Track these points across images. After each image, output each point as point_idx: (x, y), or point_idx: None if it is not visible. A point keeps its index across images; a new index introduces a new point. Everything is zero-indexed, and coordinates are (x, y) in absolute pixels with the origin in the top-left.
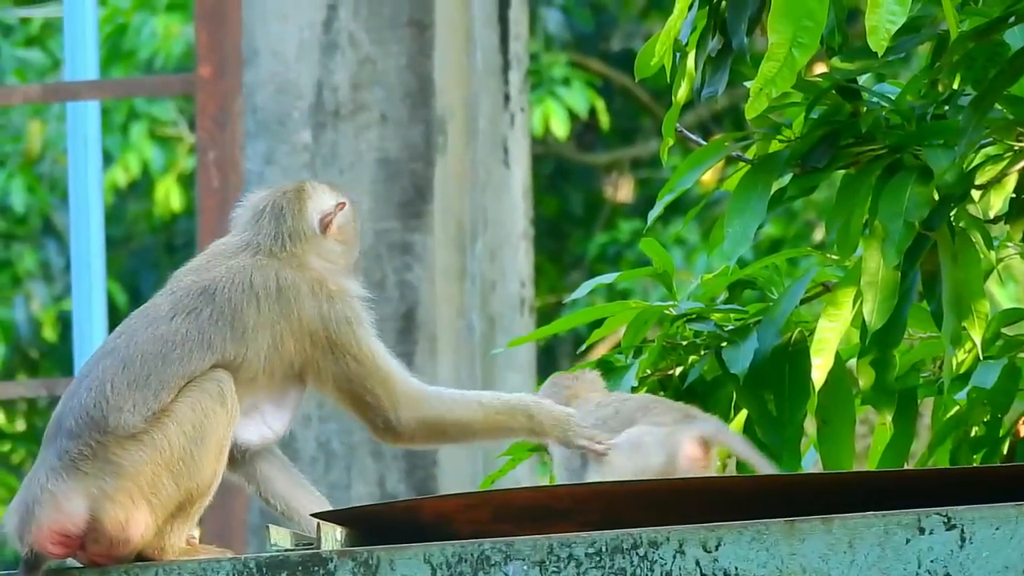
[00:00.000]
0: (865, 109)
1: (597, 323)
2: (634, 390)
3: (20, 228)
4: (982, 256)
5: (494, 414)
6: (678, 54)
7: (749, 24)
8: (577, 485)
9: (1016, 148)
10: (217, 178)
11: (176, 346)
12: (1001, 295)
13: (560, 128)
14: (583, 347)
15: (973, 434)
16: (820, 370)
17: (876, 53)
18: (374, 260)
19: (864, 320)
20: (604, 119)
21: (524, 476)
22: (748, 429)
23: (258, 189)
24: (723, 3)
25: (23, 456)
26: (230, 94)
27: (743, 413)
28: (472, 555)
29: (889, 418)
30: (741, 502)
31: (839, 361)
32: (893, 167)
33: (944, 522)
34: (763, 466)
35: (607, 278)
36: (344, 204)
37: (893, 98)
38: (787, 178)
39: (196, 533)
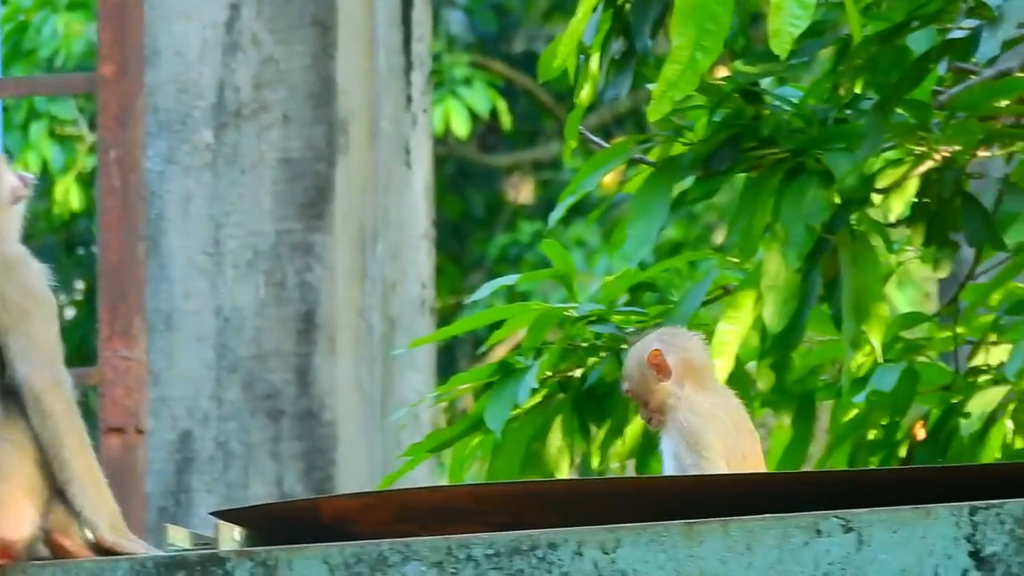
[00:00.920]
0: (767, 112)
1: (497, 324)
2: (534, 392)
3: None
4: (882, 260)
5: (87, 452)
6: (581, 56)
7: (653, 27)
8: (479, 485)
9: (917, 152)
10: (118, 177)
11: None
12: (900, 299)
13: (461, 128)
14: (483, 348)
15: (871, 437)
16: (720, 372)
17: (779, 57)
18: (275, 260)
19: (764, 323)
20: (506, 120)
21: (423, 477)
22: (647, 430)
23: (158, 190)
24: (627, 5)
25: None
26: (132, 93)
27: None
28: (370, 556)
29: (788, 420)
30: (641, 504)
31: (738, 364)
32: (795, 171)
33: (842, 525)
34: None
35: (508, 280)
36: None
37: (795, 102)
38: (689, 181)
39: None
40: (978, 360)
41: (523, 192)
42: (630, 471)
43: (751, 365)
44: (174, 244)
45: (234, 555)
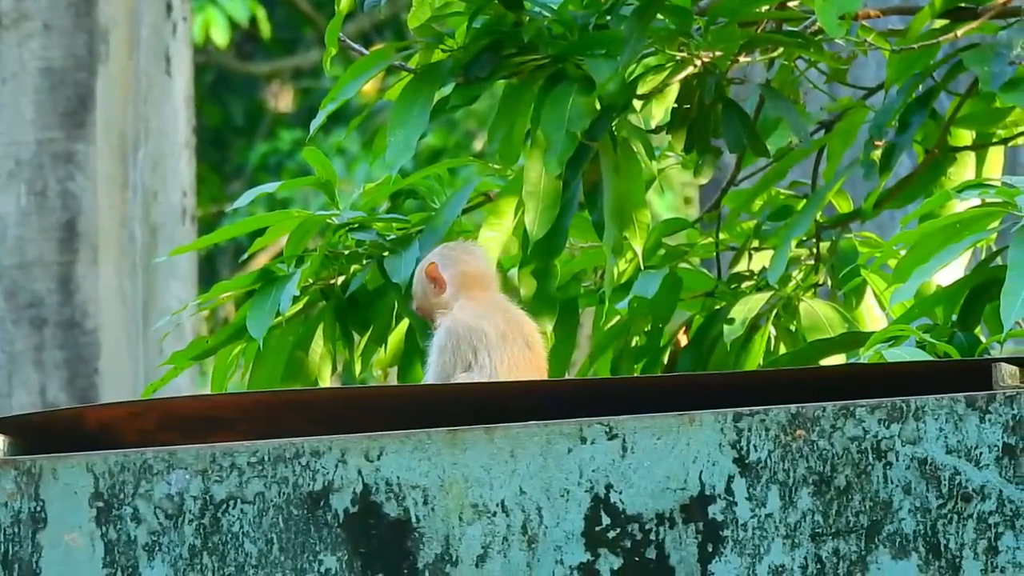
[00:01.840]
0: (528, 19)
1: (259, 232)
2: (295, 300)
3: None
4: (643, 166)
5: None
6: None
7: None
8: (242, 394)
9: (678, 58)
10: None
11: None
12: (661, 205)
13: (220, 37)
14: (244, 256)
15: (634, 344)
16: None
17: None
18: (36, 170)
19: (526, 230)
20: (265, 28)
21: (186, 385)
22: (409, 338)
23: None
24: None
25: None
26: None
27: (405, 323)
28: (135, 464)
29: (550, 327)
30: (404, 413)
31: (501, 270)
32: (556, 77)
33: (606, 432)
34: None
35: (269, 187)
36: None
37: (556, 8)
38: (449, 88)
39: None
40: (740, 267)
41: (283, 100)
42: (392, 379)
43: (513, 272)
44: None
45: None
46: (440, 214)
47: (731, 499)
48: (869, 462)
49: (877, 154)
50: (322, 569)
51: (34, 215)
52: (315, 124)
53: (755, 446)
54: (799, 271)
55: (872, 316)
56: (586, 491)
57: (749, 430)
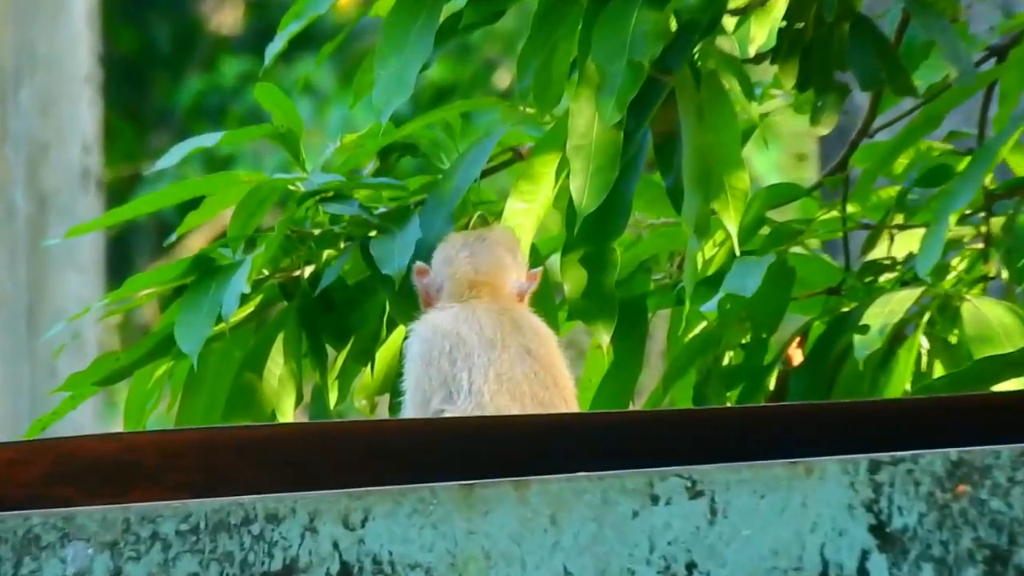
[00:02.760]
0: None
1: (193, 203)
2: (245, 300)
3: None
4: (738, 110)
5: None
6: None
7: None
8: (168, 432)
9: None
10: None
11: None
12: (763, 164)
13: None
14: (172, 237)
15: (727, 362)
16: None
17: None
18: None
19: (571, 200)
20: None
21: (88, 421)
22: None
23: None
24: None
25: None
26: None
27: (400, 332)
28: (15, 534)
29: (607, 339)
30: (401, 458)
31: (536, 256)
32: None
33: (687, 487)
34: None
35: (206, 139)
36: None
37: None
38: (462, 0)
39: None
40: (878, 252)
41: (226, 17)
42: (382, 413)
43: (553, 260)
44: None
45: None
46: (450, 178)
47: None
48: None
49: None
50: None
51: None
52: (272, 51)
53: (900, 508)
54: (960, 259)
55: None
56: (659, 573)
57: (891, 485)
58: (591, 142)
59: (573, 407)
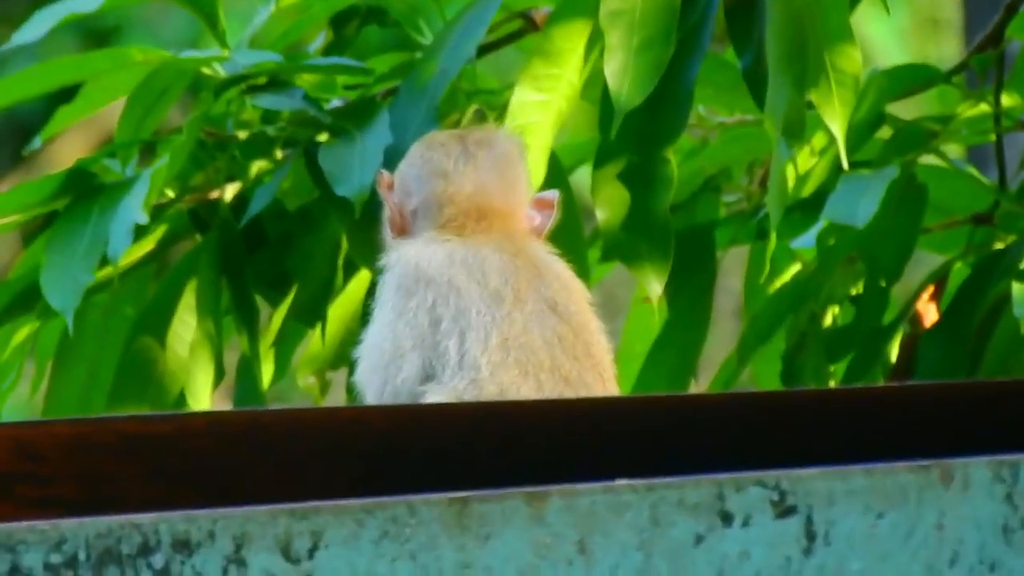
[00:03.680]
0: None
1: (64, 95)
2: (141, 231)
3: None
4: None
5: None
6: None
7: None
8: (33, 425)
9: None
10: None
11: None
12: (883, 35)
13: None
14: (35, 143)
15: (830, 322)
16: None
17: None
18: None
19: (606, 87)
20: None
21: None
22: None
23: None
24: None
25: None
26: None
27: (363, 278)
28: None
29: (658, 288)
30: (365, 456)
31: (557, 170)
32: None
33: (772, 500)
34: None
35: (84, 3)
36: None
37: None
38: None
39: None
40: None
41: None
42: (338, 395)
43: (581, 175)
44: None
45: None
46: (432, 57)
47: None
48: None
49: None
50: None
51: None
52: None
53: None
54: None
55: None
56: None
57: None
58: (635, 5)
59: (612, 387)
